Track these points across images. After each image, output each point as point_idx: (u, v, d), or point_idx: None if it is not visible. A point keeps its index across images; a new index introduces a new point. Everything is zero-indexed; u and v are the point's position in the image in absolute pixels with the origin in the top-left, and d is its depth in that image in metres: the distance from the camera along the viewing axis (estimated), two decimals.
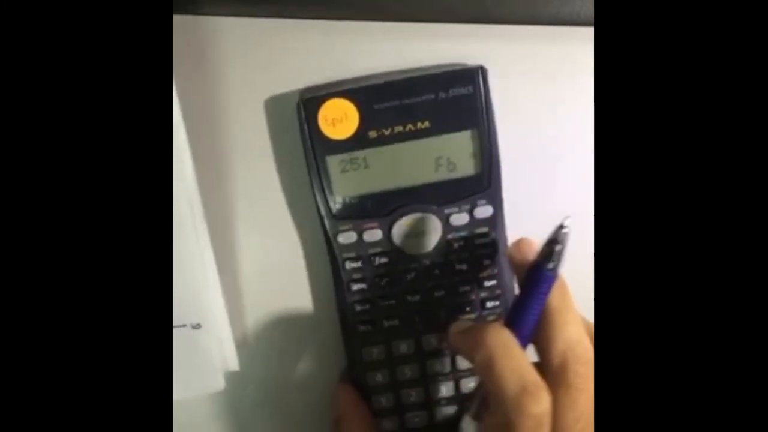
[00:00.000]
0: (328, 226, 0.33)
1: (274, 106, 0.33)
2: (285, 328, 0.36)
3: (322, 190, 0.33)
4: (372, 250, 0.34)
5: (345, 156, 0.33)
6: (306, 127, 0.32)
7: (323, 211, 0.33)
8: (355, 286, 0.34)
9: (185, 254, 0.32)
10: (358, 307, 0.34)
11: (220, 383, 0.35)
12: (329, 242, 0.34)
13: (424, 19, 0.34)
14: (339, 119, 0.32)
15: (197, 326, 0.34)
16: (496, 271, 0.34)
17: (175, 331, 0.33)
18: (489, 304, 0.34)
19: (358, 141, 0.32)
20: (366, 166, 0.33)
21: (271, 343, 0.36)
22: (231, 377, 0.34)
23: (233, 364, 0.35)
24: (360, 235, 0.33)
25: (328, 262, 0.34)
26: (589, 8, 0.33)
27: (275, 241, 0.35)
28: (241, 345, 0.35)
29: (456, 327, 0.31)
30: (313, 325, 0.36)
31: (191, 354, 0.34)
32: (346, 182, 0.33)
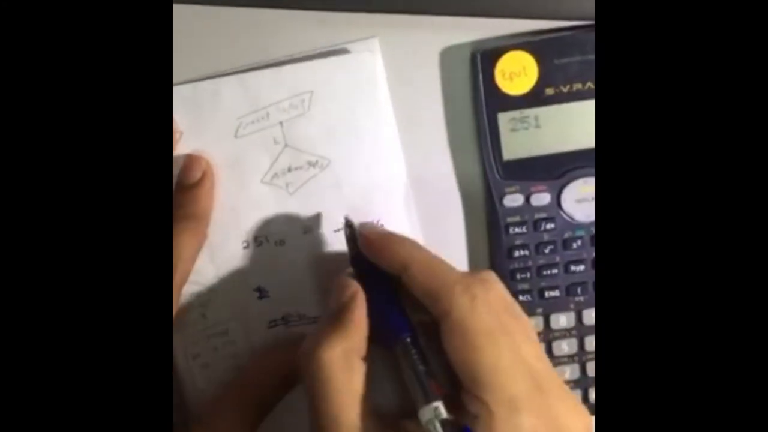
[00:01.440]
0: (493, 188, 0.32)
1: (449, 56, 0.32)
2: None
3: (490, 148, 0.32)
4: (539, 215, 0.33)
5: (516, 113, 0.32)
6: (481, 79, 0.31)
7: (489, 172, 0.32)
8: (517, 253, 0.33)
9: None
10: (519, 276, 0.33)
11: None
12: (492, 205, 0.33)
13: None
14: (517, 73, 0.31)
15: None
16: None
17: None
18: None
19: (533, 98, 0.32)
20: (537, 126, 0.32)
21: None
22: None
23: None
24: (527, 198, 0.32)
25: (486, 226, 0.34)
26: None
27: (437, 200, 0.34)
28: None
29: (367, 236, 0.29)
30: None
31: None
32: (516, 142, 0.32)
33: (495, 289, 0.26)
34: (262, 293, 0.33)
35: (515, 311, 0.26)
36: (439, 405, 0.24)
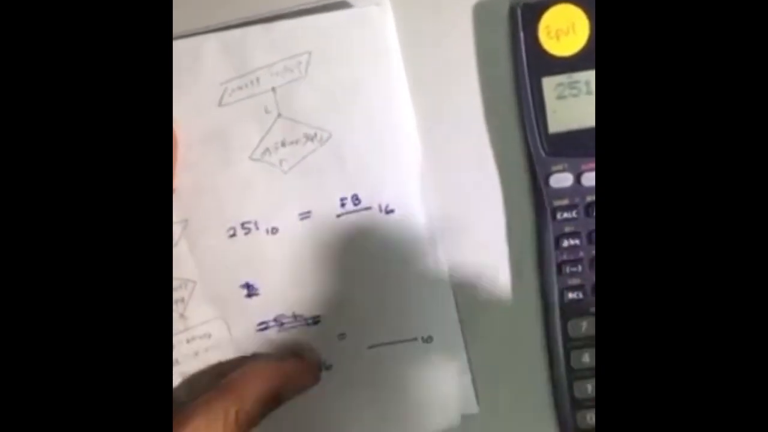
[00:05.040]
0: (537, 166, 0.30)
1: (483, 11, 0.30)
2: (474, 288, 0.32)
3: (533, 119, 0.30)
4: (591, 198, 0.30)
5: (564, 78, 0.29)
6: (522, 38, 0.29)
7: (532, 147, 0.30)
8: (566, 242, 0.30)
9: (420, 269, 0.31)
10: (568, 269, 0.31)
11: (455, 418, 0.32)
12: (536, 186, 0.31)
13: None
14: (564, 31, 0.29)
15: (428, 339, 0.31)
16: None
17: (404, 345, 0.32)
18: None
19: (583, 60, 0.29)
20: (588, 92, 0.30)
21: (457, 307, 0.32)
22: None
23: (471, 406, 0.32)
24: (577, 177, 0.30)
25: (530, 211, 0.31)
26: None
27: (470, 181, 0.31)
28: None
29: None
30: (506, 292, 0.32)
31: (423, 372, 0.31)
32: (563, 111, 0.30)
33: None
34: (250, 290, 0.31)
35: None
36: None
